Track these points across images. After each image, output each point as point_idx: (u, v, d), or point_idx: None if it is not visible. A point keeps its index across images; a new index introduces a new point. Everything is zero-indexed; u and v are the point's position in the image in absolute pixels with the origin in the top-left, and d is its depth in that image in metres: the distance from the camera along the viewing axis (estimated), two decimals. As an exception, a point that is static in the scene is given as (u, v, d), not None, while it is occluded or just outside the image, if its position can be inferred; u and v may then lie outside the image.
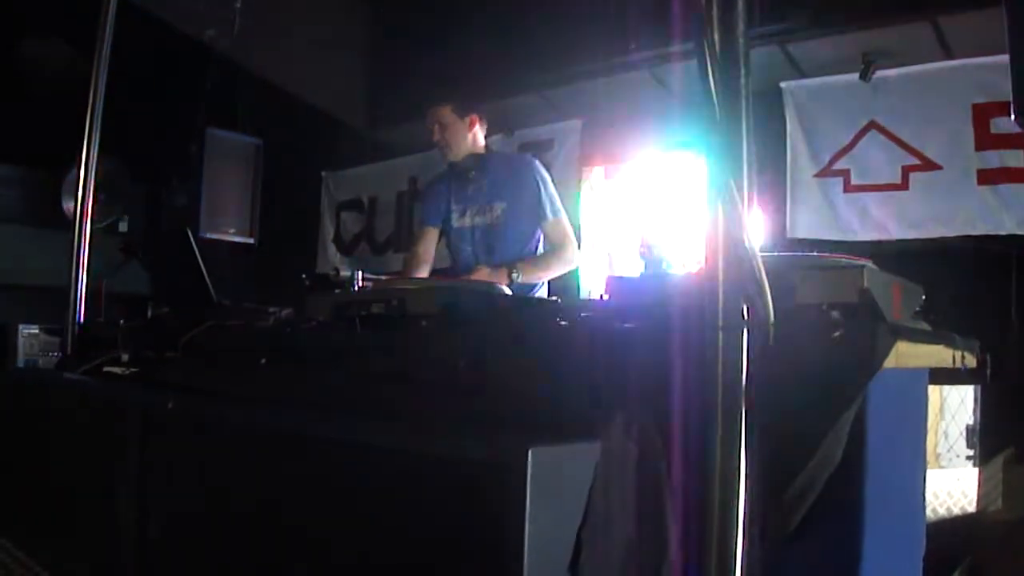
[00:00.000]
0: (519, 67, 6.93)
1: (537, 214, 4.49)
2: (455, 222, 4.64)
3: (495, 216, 4.51)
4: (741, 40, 1.74)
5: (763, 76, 5.99)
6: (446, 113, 4.53)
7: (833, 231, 5.99)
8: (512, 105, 7.32)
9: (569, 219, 4.61)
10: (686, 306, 1.79)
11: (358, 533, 1.90)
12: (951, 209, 5.59)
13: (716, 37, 1.73)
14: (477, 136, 4.61)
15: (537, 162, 4.70)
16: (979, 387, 2.55)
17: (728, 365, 1.65)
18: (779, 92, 6.15)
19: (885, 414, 1.87)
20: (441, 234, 4.75)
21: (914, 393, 2.16)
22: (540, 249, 4.56)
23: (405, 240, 8.51)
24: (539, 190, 4.49)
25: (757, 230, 1.69)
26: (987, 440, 2.59)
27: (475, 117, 4.58)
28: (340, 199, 9.31)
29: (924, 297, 2.36)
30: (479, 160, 4.59)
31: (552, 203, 4.51)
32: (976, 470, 2.52)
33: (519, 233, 4.51)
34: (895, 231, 5.77)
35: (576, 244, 4.58)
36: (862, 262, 1.93)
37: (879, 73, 5.79)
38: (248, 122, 9.03)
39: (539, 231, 4.53)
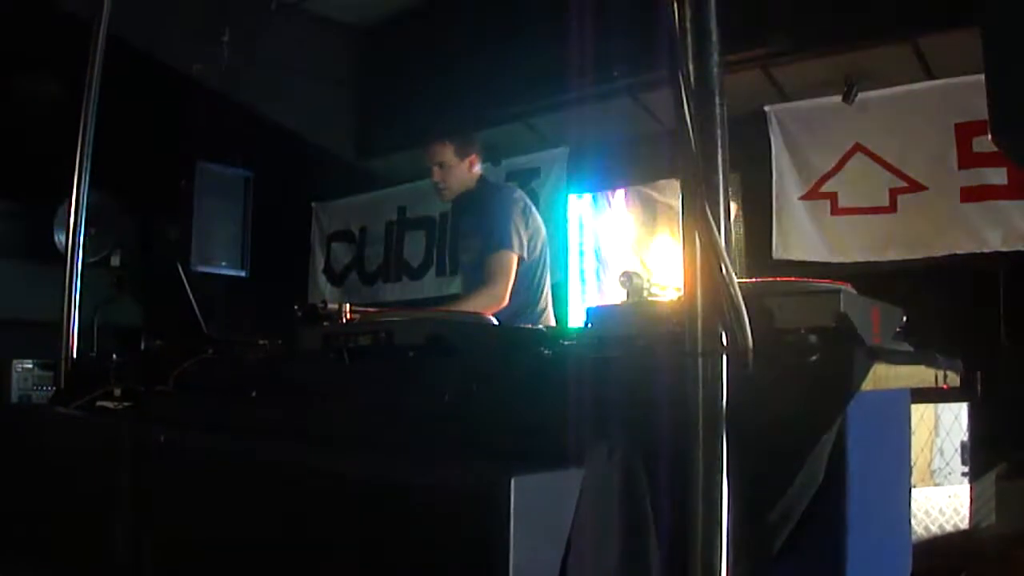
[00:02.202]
0: (505, 96, 6.97)
1: (486, 244, 4.37)
2: (460, 259, 4.66)
3: (472, 255, 4.51)
4: (716, 70, 1.77)
5: (747, 100, 6.04)
6: (448, 153, 4.48)
7: (820, 253, 6.02)
8: (498, 134, 7.36)
9: (519, 252, 4.37)
10: (665, 333, 1.81)
11: (344, 564, 1.91)
12: (938, 229, 5.64)
13: (691, 67, 1.76)
14: (474, 172, 4.58)
15: (512, 194, 4.63)
16: (971, 404, 2.57)
17: (708, 391, 1.67)
18: (763, 115, 6.19)
19: (866, 435, 1.89)
20: None
21: (896, 413, 2.19)
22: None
23: (394, 270, 8.55)
24: (494, 219, 4.39)
25: (738, 255, 1.72)
26: (979, 456, 2.61)
27: (474, 156, 4.55)
28: (330, 230, 9.34)
29: (905, 318, 2.38)
30: (471, 197, 4.57)
31: (499, 234, 4.34)
32: (968, 487, 2.54)
33: (475, 268, 4.46)
34: (883, 253, 5.81)
35: (509, 283, 4.32)
36: (839, 286, 1.95)
37: (862, 95, 5.84)
38: (238, 154, 9.04)
39: (483, 262, 4.37)
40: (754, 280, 2.04)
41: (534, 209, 4.62)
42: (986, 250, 5.45)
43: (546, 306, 4.60)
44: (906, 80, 5.75)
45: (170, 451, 2.59)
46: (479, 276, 4.38)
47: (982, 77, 2.23)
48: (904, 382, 2.13)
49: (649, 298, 2.34)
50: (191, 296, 3.65)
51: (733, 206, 6.00)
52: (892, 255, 5.78)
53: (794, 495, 1.76)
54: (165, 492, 2.59)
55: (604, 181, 7.45)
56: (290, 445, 2.36)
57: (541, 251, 4.53)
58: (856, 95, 5.83)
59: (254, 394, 2.83)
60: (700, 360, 1.68)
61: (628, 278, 2.32)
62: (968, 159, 5.50)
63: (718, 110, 1.76)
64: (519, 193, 4.70)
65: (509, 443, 1.92)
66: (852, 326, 1.87)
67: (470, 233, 4.51)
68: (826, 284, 2.00)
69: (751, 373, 1.66)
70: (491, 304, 4.17)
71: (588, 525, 1.69)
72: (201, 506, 2.45)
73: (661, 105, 6.34)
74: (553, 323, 4.68)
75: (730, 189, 1.79)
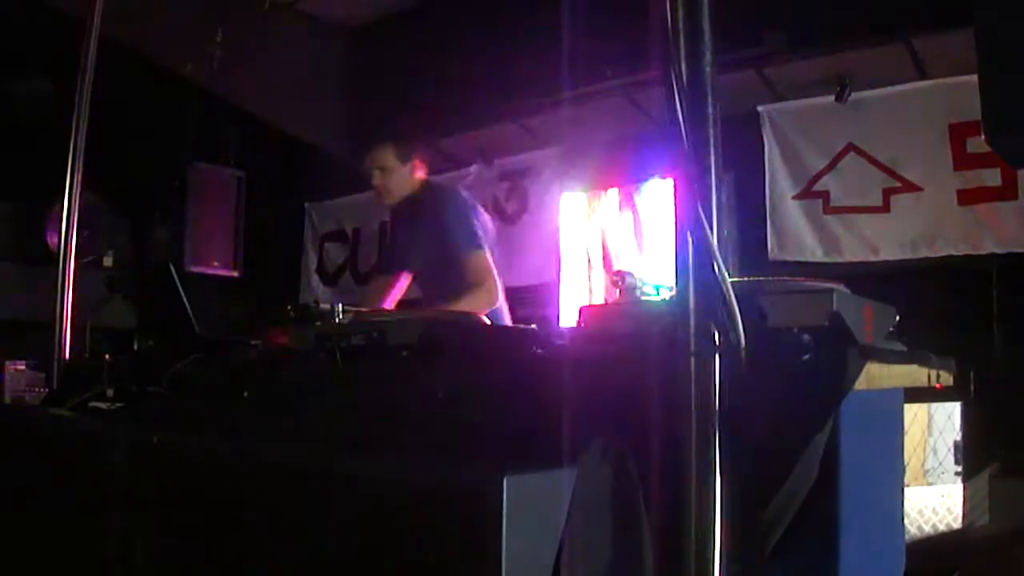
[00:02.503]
0: (497, 96, 6.98)
1: (455, 248, 4.34)
2: (409, 264, 4.53)
3: (424, 258, 4.46)
4: (708, 69, 1.77)
5: (740, 99, 6.04)
6: (389, 158, 4.45)
7: (813, 253, 6.03)
8: (490, 134, 7.37)
9: (483, 256, 4.37)
10: (658, 332, 1.81)
11: (337, 563, 1.91)
12: (933, 230, 5.65)
13: (683, 67, 1.75)
14: (416, 176, 4.54)
15: (461, 194, 4.62)
16: (964, 404, 2.58)
17: (700, 390, 1.67)
18: (756, 115, 6.20)
19: (859, 434, 1.89)
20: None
21: (888, 412, 2.19)
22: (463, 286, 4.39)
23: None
24: (457, 223, 4.37)
25: (729, 255, 1.72)
26: (972, 456, 2.62)
27: (417, 161, 4.52)
28: (323, 230, 9.33)
29: (898, 318, 2.38)
30: (414, 202, 4.53)
31: (469, 236, 4.34)
32: (961, 486, 2.54)
33: (437, 273, 4.43)
34: (878, 253, 5.82)
35: (496, 280, 4.38)
36: (831, 285, 1.95)
37: (855, 95, 5.85)
38: (230, 155, 9.04)
39: (461, 265, 4.36)
40: (747, 279, 2.04)
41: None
42: (982, 252, 5.45)
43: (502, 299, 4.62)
44: (900, 80, 5.76)
45: (163, 452, 2.58)
46: (447, 278, 4.35)
47: (976, 77, 2.24)
48: (897, 381, 2.14)
49: (642, 297, 2.34)
50: (183, 297, 3.64)
51: (726, 206, 6.00)
52: (886, 255, 5.79)
53: (787, 494, 1.76)
54: (158, 493, 2.59)
55: (597, 180, 7.44)
56: (283, 445, 2.36)
57: (492, 247, 4.54)
58: (849, 95, 5.84)
59: (246, 394, 2.82)
60: (693, 359, 1.67)
61: (621, 277, 2.32)
62: (962, 160, 5.51)
63: (711, 109, 1.75)
64: (467, 193, 4.71)
65: (502, 442, 1.92)
66: (845, 325, 1.87)
67: (424, 236, 4.44)
68: (819, 283, 2.00)
69: (744, 372, 1.66)
70: (489, 303, 4.25)
71: (581, 524, 1.68)
72: (194, 507, 2.44)
73: (655, 104, 6.34)
74: (508, 318, 4.65)
75: (723, 189, 1.79)
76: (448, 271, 4.37)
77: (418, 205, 4.52)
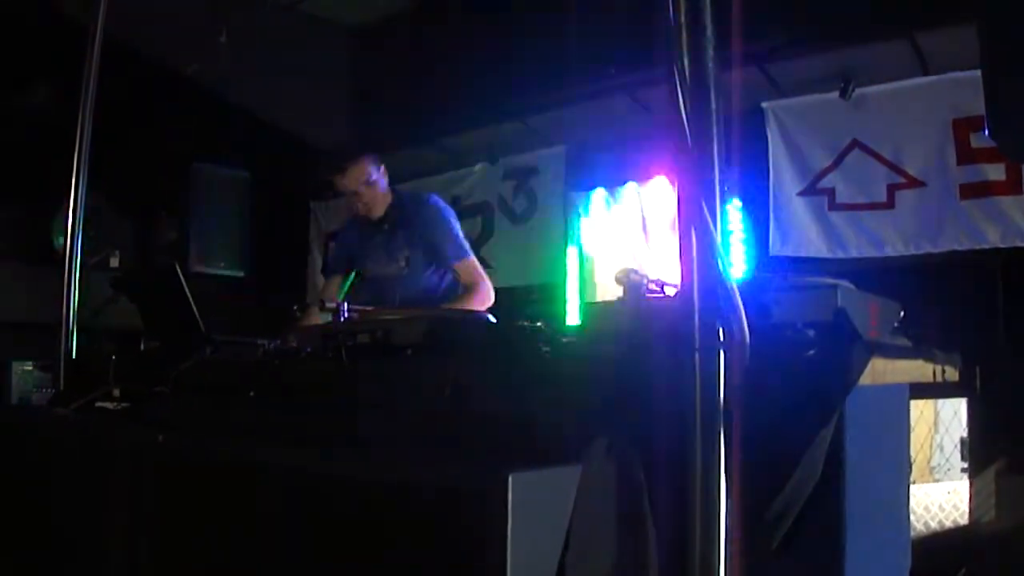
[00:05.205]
0: (502, 95, 6.96)
1: (443, 257, 4.45)
2: (372, 272, 4.52)
3: (400, 266, 4.47)
4: (712, 67, 1.77)
5: (744, 96, 6.02)
6: (371, 170, 4.46)
7: (817, 249, 6.01)
8: (495, 133, 7.36)
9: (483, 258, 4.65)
10: (663, 329, 1.81)
11: (344, 561, 1.91)
12: (937, 225, 5.63)
13: (687, 64, 1.76)
14: (386, 186, 4.56)
15: (440, 203, 4.65)
16: (970, 400, 2.57)
17: (705, 386, 1.67)
18: (761, 112, 6.19)
19: (865, 430, 1.89)
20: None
21: (894, 408, 2.19)
22: (445, 290, 4.53)
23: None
24: (443, 233, 4.46)
25: (735, 251, 1.72)
26: (979, 452, 2.61)
27: (383, 167, 4.53)
28: (328, 229, 9.32)
29: (902, 313, 2.38)
30: (398, 208, 4.55)
31: (457, 245, 4.47)
32: (968, 483, 2.54)
33: (419, 279, 4.48)
34: (882, 249, 5.80)
35: (487, 280, 4.52)
36: (836, 282, 1.96)
37: (859, 91, 5.83)
38: (235, 155, 9.03)
39: (447, 272, 4.50)
40: (751, 276, 2.04)
41: None
42: (985, 246, 5.44)
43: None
44: (903, 76, 5.74)
45: (168, 451, 2.59)
46: (411, 286, 4.46)
47: (979, 73, 2.23)
48: (902, 377, 2.14)
49: (646, 295, 2.34)
50: (189, 297, 3.65)
51: (730, 203, 5.99)
52: (890, 251, 5.78)
53: (793, 489, 1.76)
54: (163, 492, 2.59)
55: (601, 179, 7.43)
56: (288, 445, 2.36)
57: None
58: (853, 91, 5.83)
59: (252, 394, 2.83)
60: (697, 356, 1.68)
61: (625, 275, 2.32)
62: (966, 155, 5.49)
63: (714, 107, 1.76)
64: (439, 197, 4.74)
65: (507, 440, 1.92)
66: (850, 321, 1.88)
67: (404, 246, 4.48)
68: (823, 280, 2.00)
69: (748, 368, 1.66)
70: (483, 303, 4.36)
71: (586, 521, 1.68)
72: (200, 506, 2.45)
73: (659, 103, 6.32)
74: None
75: (727, 186, 1.79)
76: (423, 277, 4.49)
77: (401, 216, 4.54)
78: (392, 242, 4.50)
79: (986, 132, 2.31)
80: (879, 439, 2.05)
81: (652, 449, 1.77)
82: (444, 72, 7.42)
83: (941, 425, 2.45)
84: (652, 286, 2.29)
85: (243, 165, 9.18)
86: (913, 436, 2.31)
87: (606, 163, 7.29)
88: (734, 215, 6.14)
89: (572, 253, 7.52)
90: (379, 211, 4.52)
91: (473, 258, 4.53)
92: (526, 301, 7.05)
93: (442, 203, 4.65)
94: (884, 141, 5.83)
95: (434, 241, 4.44)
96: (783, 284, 2.00)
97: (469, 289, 4.43)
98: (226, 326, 3.83)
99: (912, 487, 2.30)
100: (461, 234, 4.53)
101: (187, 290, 3.66)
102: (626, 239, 7.23)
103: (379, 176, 4.48)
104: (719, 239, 1.68)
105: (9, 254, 8.07)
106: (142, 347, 4.21)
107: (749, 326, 1.67)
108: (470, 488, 1.64)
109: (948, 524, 2.48)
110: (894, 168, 5.78)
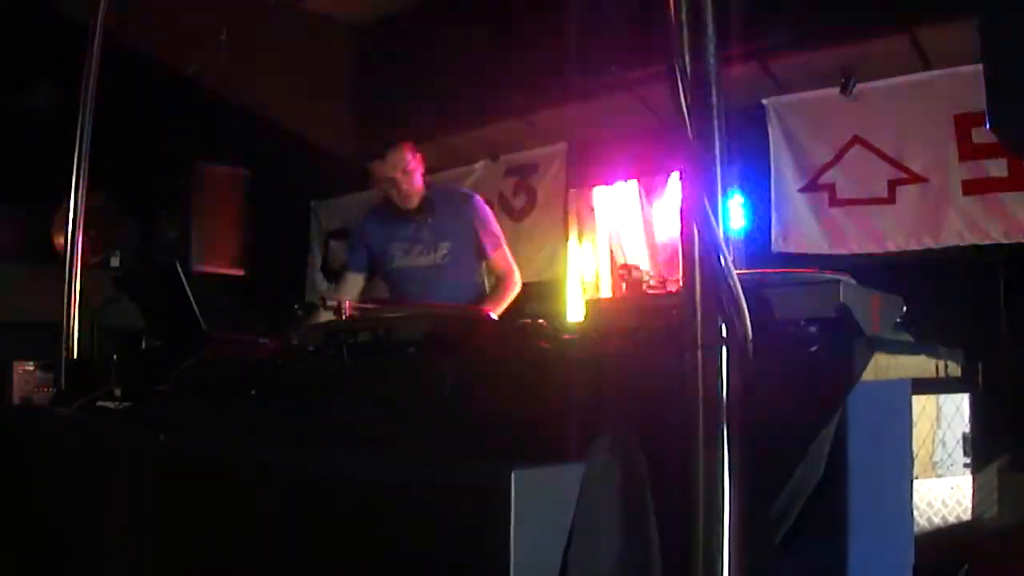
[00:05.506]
0: (502, 92, 6.96)
1: (480, 251, 4.58)
2: (398, 262, 4.61)
3: (440, 256, 4.53)
4: (713, 63, 1.77)
5: (745, 93, 6.03)
6: (409, 158, 4.48)
7: (819, 245, 6.01)
8: (497, 130, 7.36)
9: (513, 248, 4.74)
10: (665, 325, 1.81)
11: (346, 560, 1.91)
12: (938, 221, 5.63)
13: (688, 60, 1.75)
14: (421, 174, 4.59)
15: (477, 197, 4.72)
16: (973, 395, 2.57)
17: (707, 382, 1.66)
18: (762, 108, 6.18)
19: (867, 426, 1.89)
20: (373, 274, 4.76)
21: (897, 404, 2.18)
22: (480, 282, 4.64)
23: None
24: (481, 228, 4.56)
25: (736, 247, 1.71)
26: (981, 448, 2.60)
27: (421, 154, 4.56)
28: (328, 228, 9.32)
29: (905, 308, 2.38)
30: (423, 199, 4.57)
31: (493, 237, 4.59)
32: (971, 478, 2.53)
33: (461, 271, 4.56)
34: (883, 244, 5.81)
35: (516, 267, 4.68)
36: (838, 277, 1.95)
37: (860, 87, 5.83)
38: (236, 154, 9.03)
39: (481, 266, 4.62)
40: (753, 272, 2.04)
41: None
42: (987, 242, 5.44)
43: None
44: (904, 71, 5.74)
45: (170, 451, 2.58)
46: (451, 277, 4.55)
47: (980, 68, 2.23)
48: (905, 372, 2.13)
49: (648, 291, 2.34)
50: (190, 296, 3.64)
51: (731, 199, 5.99)
52: (892, 247, 5.78)
53: (795, 486, 1.76)
54: (164, 491, 2.59)
55: (603, 176, 7.43)
56: (290, 444, 2.36)
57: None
58: (854, 87, 5.82)
59: (253, 392, 2.83)
60: (700, 352, 1.67)
61: (628, 271, 2.32)
62: (968, 150, 5.49)
63: (715, 102, 1.75)
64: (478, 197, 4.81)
65: (509, 437, 1.91)
66: (852, 316, 1.87)
67: (444, 237, 4.54)
68: (825, 275, 2.00)
69: (751, 365, 1.66)
70: (516, 287, 4.62)
71: (589, 519, 1.68)
72: (201, 506, 2.44)
73: (661, 100, 6.31)
74: None
75: (728, 182, 1.78)
76: (465, 269, 4.60)
77: (439, 206, 4.58)
78: (429, 233, 4.55)
79: (987, 124, 2.30)
80: (882, 435, 2.04)
81: (654, 446, 1.76)
82: (445, 70, 7.41)
83: (943, 420, 2.45)
84: (653, 282, 2.29)
85: (243, 164, 9.18)
86: (915, 431, 2.31)
87: (607, 160, 7.28)
88: (736, 211, 6.14)
89: (573, 250, 7.52)
90: (414, 201, 4.53)
91: (505, 246, 4.66)
92: (527, 298, 7.06)
93: (478, 199, 4.73)
94: (885, 137, 5.83)
95: (470, 233, 4.55)
96: (785, 280, 2.00)
97: (503, 277, 4.60)
98: (227, 325, 3.83)
99: (915, 483, 2.30)
100: (495, 225, 4.68)
101: (188, 289, 3.66)
102: (628, 236, 7.23)
103: (416, 165, 4.50)
104: (721, 236, 1.68)
105: (9, 254, 8.08)
106: (143, 346, 4.21)
107: (751, 322, 1.66)
108: (473, 486, 1.63)
109: (951, 520, 2.48)
110: (895, 164, 5.78)
